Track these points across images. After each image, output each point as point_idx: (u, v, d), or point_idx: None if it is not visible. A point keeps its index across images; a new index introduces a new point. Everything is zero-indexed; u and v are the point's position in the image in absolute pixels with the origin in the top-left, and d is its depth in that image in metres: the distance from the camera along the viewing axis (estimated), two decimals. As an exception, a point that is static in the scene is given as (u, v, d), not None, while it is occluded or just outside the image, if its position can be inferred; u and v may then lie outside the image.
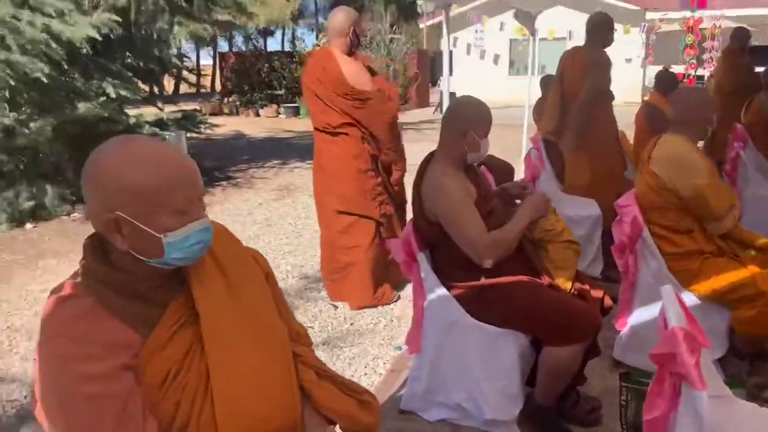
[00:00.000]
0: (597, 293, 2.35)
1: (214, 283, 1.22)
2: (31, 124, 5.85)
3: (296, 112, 17.30)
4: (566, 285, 2.32)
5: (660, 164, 2.61)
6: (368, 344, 3.22)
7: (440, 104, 17.50)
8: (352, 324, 3.47)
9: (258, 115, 17.54)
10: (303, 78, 3.66)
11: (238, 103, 18.26)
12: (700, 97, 2.70)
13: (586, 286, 2.36)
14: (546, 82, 5.76)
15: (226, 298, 1.21)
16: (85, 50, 6.18)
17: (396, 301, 3.75)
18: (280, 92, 18.57)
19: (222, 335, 1.17)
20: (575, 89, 4.17)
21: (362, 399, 1.32)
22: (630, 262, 2.73)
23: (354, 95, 3.44)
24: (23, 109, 6.35)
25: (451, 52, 18.65)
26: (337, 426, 1.32)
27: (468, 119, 2.24)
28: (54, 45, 5.64)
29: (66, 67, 6.06)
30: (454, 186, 2.17)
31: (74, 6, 6.06)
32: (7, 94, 5.77)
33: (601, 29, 4.17)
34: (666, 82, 5.08)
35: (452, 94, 18.03)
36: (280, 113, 17.47)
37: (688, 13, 10.33)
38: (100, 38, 5.97)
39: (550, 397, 2.25)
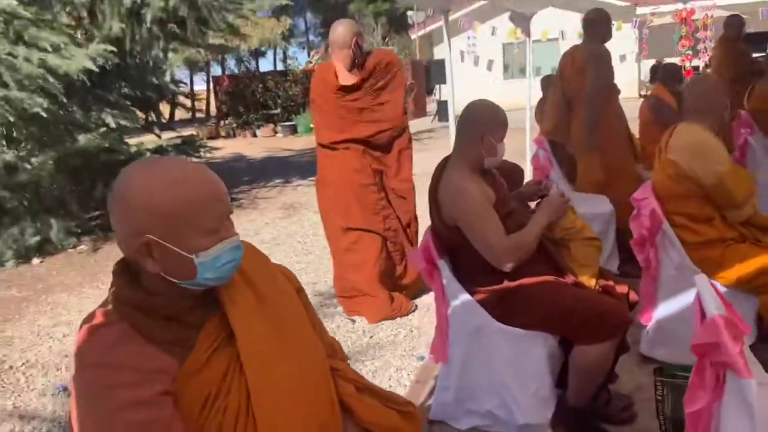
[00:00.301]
0: (622, 289, 2.32)
1: (247, 301, 1.19)
2: (33, 159, 5.85)
3: (293, 130, 17.35)
4: (591, 282, 2.28)
5: (679, 152, 2.59)
6: (390, 356, 3.18)
7: (437, 113, 17.58)
8: (371, 337, 3.43)
9: (255, 135, 17.59)
10: (310, 92, 3.69)
11: (234, 125, 18.32)
12: (715, 85, 2.69)
13: (611, 283, 2.33)
14: (546, 82, 5.75)
15: (259, 316, 1.18)
16: (81, 82, 6.19)
17: (413, 311, 3.71)
18: (275, 111, 18.64)
19: (259, 354, 1.14)
20: (576, 87, 4.15)
21: (404, 410, 1.29)
22: (651, 256, 2.70)
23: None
24: (23, 144, 6.35)
25: (444, 61, 18.71)
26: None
27: (485, 123, 2.22)
28: (51, 79, 5.64)
29: (64, 100, 6.07)
30: (473, 190, 2.14)
31: (69, 39, 6.09)
32: (6, 130, 5.77)
33: (598, 25, 4.14)
34: (670, 74, 5.05)
35: (445, 102, 18.02)
36: (277, 132, 17.52)
37: (679, 5, 10.37)
38: (96, 69, 5.98)
39: (584, 397, 2.21)
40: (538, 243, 2.24)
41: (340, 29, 3.49)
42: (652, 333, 2.73)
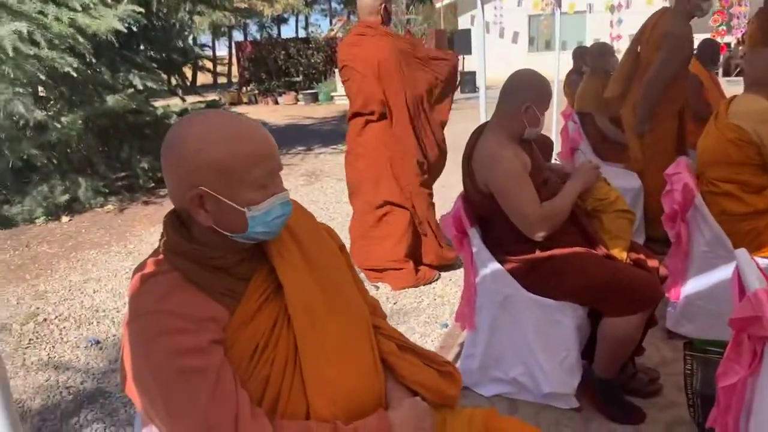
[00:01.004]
0: (653, 263, 2.30)
1: (294, 256, 1.21)
2: (62, 119, 5.91)
3: (315, 98, 17.28)
4: (622, 255, 2.27)
5: (744, 117, 2.56)
6: (414, 323, 3.22)
7: (460, 84, 17.36)
8: (395, 303, 3.47)
9: (277, 103, 17.55)
10: (339, 59, 3.63)
11: (256, 91, 18.29)
12: None
13: (642, 256, 2.31)
14: (580, 53, 5.62)
15: (305, 271, 1.20)
16: (109, 43, 6.19)
17: (437, 279, 3.73)
18: (297, 79, 18.58)
19: (306, 307, 1.16)
20: (646, 60, 3.83)
21: (444, 370, 1.30)
22: (682, 231, 2.68)
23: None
24: (52, 103, 6.42)
25: (469, 31, 18.41)
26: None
27: (531, 93, 2.19)
28: (81, 39, 5.66)
29: (93, 60, 6.10)
30: (510, 157, 2.13)
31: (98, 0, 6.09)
32: (35, 89, 5.82)
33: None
34: (708, 52, 4.84)
35: (473, 73, 17.71)
36: (298, 100, 17.47)
37: (715, -21, 10.03)
38: (124, 30, 5.98)
39: (611, 369, 2.22)
40: (570, 213, 2.23)
41: None
42: (680, 308, 2.73)
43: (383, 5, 3.48)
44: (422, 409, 1.19)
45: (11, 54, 4.98)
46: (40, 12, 5.52)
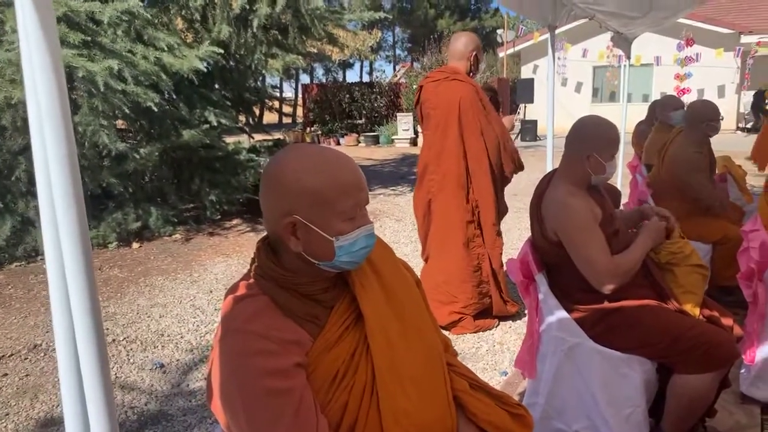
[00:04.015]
0: (727, 321, 2.22)
1: (374, 287, 1.25)
2: (141, 150, 6.25)
3: (376, 140, 17.63)
4: (695, 311, 2.21)
5: None
6: (472, 369, 3.17)
7: (521, 132, 17.38)
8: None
9: (338, 143, 17.98)
10: (421, 99, 3.68)
11: (319, 132, 18.81)
12: None
13: (716, 313, 2.24)
14: (653, 106, 5.57)
15: (384, 302, 1.24)
16: (188, 81, 6.56)
17: (496, 327, 3.68)
18: (360, 121, 19.02)
19: (386, 337, 1.19)
20: (665, 180, 3.83)
21: (516, 413, 1.30)
22: (759, 291, 2.57)
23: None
24: (132, 135, 6.81)
25: (532, 80, 18.44)
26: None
27: (592, 142, 2.18)
28: (164, 76, 6.03)
29: (173, 96, 6.46)
30: (580, 206, 2.12)
31: (180, 40, 6.49)
32: (121, 122, 6.20)
33: (701, 122, 3.69)
34: None
35: (534, 122, 17.68)
36: (360, 142, 17.84)
37: (791, 35, 9.78)
38: (205, 70, 6.33)
39: (681, 429, 2.13)
40: (642, 265, 2.19)
41: (463, 40, 3.52)
42: (756, 371, 2.60)
43: (474, 53, 3.52)
44: (495, 449, 1.19)
45: (102, 89, 5.34)
46: (130, 51, 5.92)
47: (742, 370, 2.68)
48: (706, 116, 3.68)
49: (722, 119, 3.89)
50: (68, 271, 0.98)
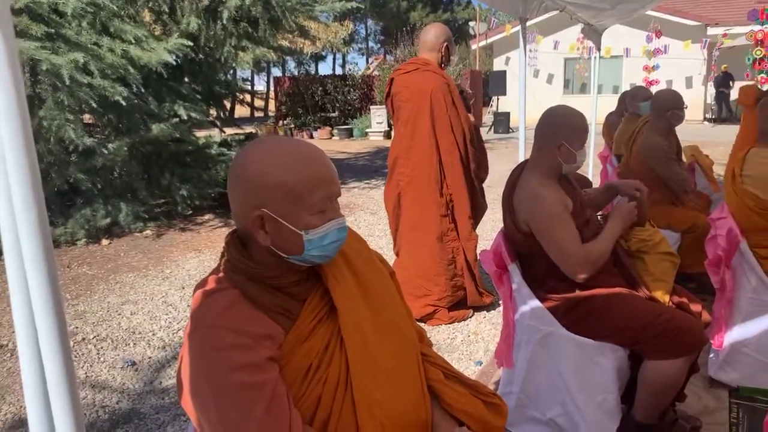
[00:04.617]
0: (696, 307, 2.26)
1: (347, 280, 1.23)
2: (109, 145, 6.12)
3: (350, 134, 17.57)
4: (664, 298, 2.24)
5: (759, 185, 2.53)
6: (447, 360, 3.18)
7: (493, 125, 17.49)
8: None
9: (312, 137, 17.87)
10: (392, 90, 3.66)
11: (292, 125, 18.68)
12: None
13: (685, 300, 2.28)
14: (622, 98, 5.64)
15: (358, 295, 1.23)
16: (157, 74, 6.44)
17: (470, 317, 3.70)
18: (333, 115, 18.93)
19: (359, 330, 1.18)
20: (635, 170, 3.85)
21: (490, 401, 1.30)
22: (726, 277, 2.63)
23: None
24: (100, 130, 6.66)
25: (504, 72, 18.55)
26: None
27: (561, 131, 2.19)
28: (132, 69, 5.90)
29: (141, 90, 6.34)
30: (551, 197, 2.13)
31: (148, 33, 6.36)
32: (88, 116, 6.06)
33: (666, 110, 3.73)
34: None
35: (507, 114, 17.80)
36: (333, 135, 17.76)
37: (755, 27, 10.01)
38: (174, 62, 6.22)
39: (652, 414, 2.17)
40: (612, 253, 2.22)
41: (433, 31, 3.50)
42: (724, 356, 2.66)
43: (445, 45, 3.51)
44: (469, 439, 1.19)
45: (67, 82, 5.21)
46: (95, 43, 5.78)
47: (711, 355, 2.73)
48: (670, 105, 3.74)
49: (686, 107, 3.95)
50: (28, 269, 0.95)
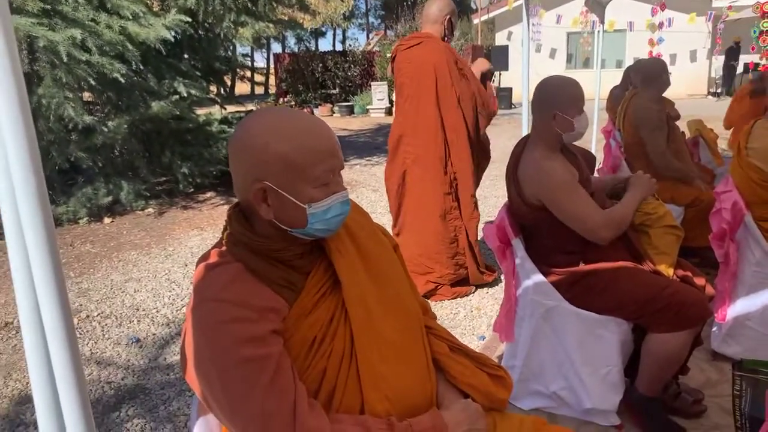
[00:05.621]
0: (700, 281, 2.26)
1: (351, 253, 1.22)
2: (109, 123, 6.08)
3: (350, 110, 17.45)
4: (668, 271, 2.24)
5: (763, 158, 2.50)
6: (450, 334, 3.20)
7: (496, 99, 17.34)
8: (431, 314, 3.45)
9: (312, 114, 17.73)
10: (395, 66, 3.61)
11: (293, 102, 18.55)
12: None
13: (689, 273, 2.27)
14: (629, 72, 5.56)
15: (362, 268, 1.22)
16: (156, 51, 6.37)
17: (473, 292, 3.71)
18: (334, 91, 18.79)
19: (363, 302, 1.17)
20: (632, 141, 3.87)
21: (495, 374, 1.30)
22: (731, 251, 2.62)
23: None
24: (99, 108, 6.62)
25: (506, 47, 18.32)
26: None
27: (554, 101, 2.17)
28: (130, 46, 5.83)
29: (141, 67, 6.28)
30: (558, 168, 2.12)
31: (146, 8, 6.28)
32: (87, 94, 6.01)
33: (654, 79, 3.74)
34: None
35: (509, 90, 17.63)
36: (334, 112, 17.65)
37: (761, -1, 9.85)
38: (172, 39, 6.14)
39: (655, 387, 2.17)
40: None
41: (437, 4, 3.43)
42: (727, 329, 2.66)
43: (449, 18, 3.45)
44: (475, 411, 1.19)
45: (65, 59, 5.16)
46: (93, 20, 5.71)
47: (714, 328, 2.74)
48: (658, 70, 3.71)
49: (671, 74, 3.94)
50: (30, 247, 0.94)
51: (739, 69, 17.14)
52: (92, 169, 6.29)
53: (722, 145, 4.83)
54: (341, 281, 1.17)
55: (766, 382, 1.90)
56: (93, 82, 5.61)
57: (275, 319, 1.08)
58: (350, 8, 26.03)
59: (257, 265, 1.12)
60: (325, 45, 33.79)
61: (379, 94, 16.86)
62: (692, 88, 18.67)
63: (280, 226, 1.14)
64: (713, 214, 2.70)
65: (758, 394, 1.93)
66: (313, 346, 1.12)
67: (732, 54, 17.24)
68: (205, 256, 1.16)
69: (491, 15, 21.03)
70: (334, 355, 1.13)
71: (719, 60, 18.22)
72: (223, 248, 1.16)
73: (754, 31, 10.34)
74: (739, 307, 2.62)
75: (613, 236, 2.11)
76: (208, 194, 7.14)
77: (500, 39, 21.19)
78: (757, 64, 10.90)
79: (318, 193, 1.12)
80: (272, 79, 21.21)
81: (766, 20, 9.50)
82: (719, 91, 18.26)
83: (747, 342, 2.59)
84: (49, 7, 5.30)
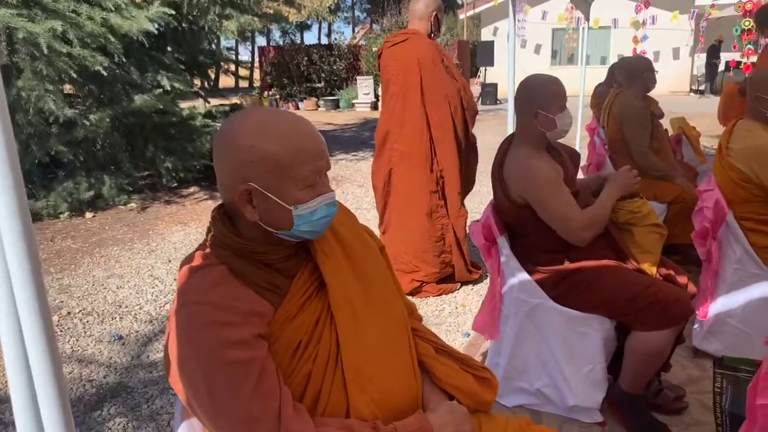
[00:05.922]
0: (682, 279, 2.28)
1: (337, 255, 1.21)
2: (91, 116, 5.99)
3: (336, 105, 17.40)
4: (652, 270, 2.26)
5: (742, 158, 2.53)
6: (435, 331, 3.19)
7: (481, 96, 17.38)
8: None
9: (297, 108, 17.68)
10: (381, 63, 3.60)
11: (277, 96, 18.45)
12: None
13: (672, 272, 2.29)
14: (614, 69, 5.59)
15: (348, 270, 1.21)
16: (138, 43, 6.28)
17: (458, 289, 3.72)
18: (319, 85, 18.70)
19: (349, 305, 1.17)
20: (616, 138, 3.89)
21: (481, 375, 1.30)
22: (713, 249, 2.65)
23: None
24: (81, 101, 6.52)
25: (492, 43, 18.37)
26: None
27: (535, 99, 2.17)
28: (112, 38, 5.75)
29: (123, 60, 6.19)
30: (543, 166, 2.12)
31: (128, 0, 6.18)
32: (69, 87, 5.92)
33: (637, 76, 3.75)
34: None
35: (494, 85, 17.66)
36: (319, 106, 17.58)
37: (743, -3, 9.96)
38: (155, 31, 6.07)
39: (638, 384, 2.20)
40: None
41: (423, 1, 3.41)
42: (708, 326, 2.69)
43: (435, 14, 3.44)
44: (460, 413, 1.19)
45: (45, 51, 5.07)
46: (74, 11, 5.61)
47: (695, 326, 2.77)
48: (644, 67, 3.73)
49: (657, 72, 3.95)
50: (6, 241, 0.92)
51: (721, 67, 17.34)
52: (73, 163, 6.21)
53: (705, 142, 4.88)
54: (327, 283, 1.16)
55: (746, 380, 1.92)
56: (74, 75, 5.52)
57: (259, 323, 1.07)
58: (336, 1, 25.91)
59: (241, 267, 1.10)
60: (310, 38, 33.65)
61: (364, 88, 16.81)
62: (675, 85, 18.86)
63: (265, 228, 1.13)
64: (696, 213, 2.73)
65: (739, 392, 1.96)
66: (298, 350, 1.11)
67: (714, 52, 17.45)
68: (188, 258, 1.15)
69: (477, 10, 21.05)
70: (320, 358, 1.12)
71: (701, 58, 18.42)
72: (207, 250, 1.14)
73: (736, 30, 10.47)
74: (720, 305, 2.65)
75: (593, 236, 2.12)
76: (192, 189, 7.08)
77: (486, 35, 21.22)
78: (738, 62, 11.02)
79: (304, 195, 1.11)
80: (257, 73, 21.06)
81: (747, 19, 9.61)
82: (702, 88, 18.48)
83: (728, 339, 2.62)
84: (28, -3, 5.20)
